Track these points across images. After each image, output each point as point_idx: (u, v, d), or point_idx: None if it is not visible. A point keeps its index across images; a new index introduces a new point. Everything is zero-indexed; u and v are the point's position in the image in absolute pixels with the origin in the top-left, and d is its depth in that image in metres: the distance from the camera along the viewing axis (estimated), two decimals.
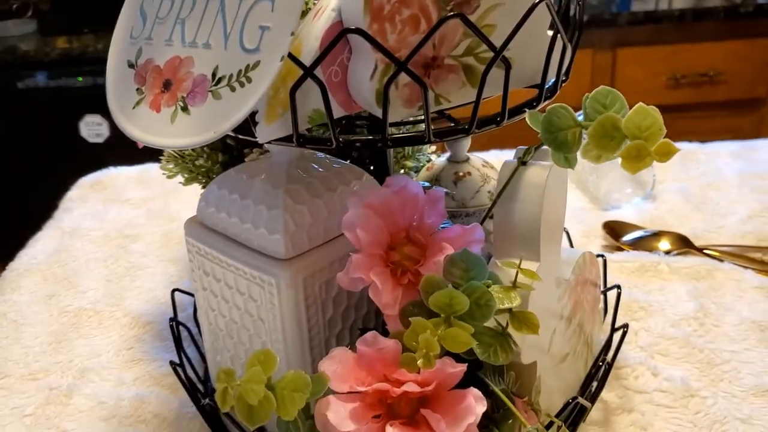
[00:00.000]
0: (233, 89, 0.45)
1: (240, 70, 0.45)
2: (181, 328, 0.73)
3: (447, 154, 0.75)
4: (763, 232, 0.90)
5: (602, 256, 0.74)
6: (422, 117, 0.50)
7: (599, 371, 0.61)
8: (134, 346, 0.76)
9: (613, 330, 0.69)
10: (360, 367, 0.49)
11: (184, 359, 0.68)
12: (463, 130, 0.50)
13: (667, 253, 0.87)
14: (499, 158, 1.02)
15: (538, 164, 0.54)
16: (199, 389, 0.66)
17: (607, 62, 2.18)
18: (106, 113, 2.14)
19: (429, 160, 0.77)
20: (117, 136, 2.16)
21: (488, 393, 0.50)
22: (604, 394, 0.66)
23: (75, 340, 0.78)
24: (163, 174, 1.10)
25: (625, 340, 0.72)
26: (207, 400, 0.62)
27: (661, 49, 2.18)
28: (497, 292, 0.48)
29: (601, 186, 1.00)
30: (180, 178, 0.78)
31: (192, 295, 0.76)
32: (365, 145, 0.50)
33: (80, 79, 2.14)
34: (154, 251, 0.94)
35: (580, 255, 0.63)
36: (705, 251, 0.87)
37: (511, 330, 0.50)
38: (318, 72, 0.46)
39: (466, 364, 0.47)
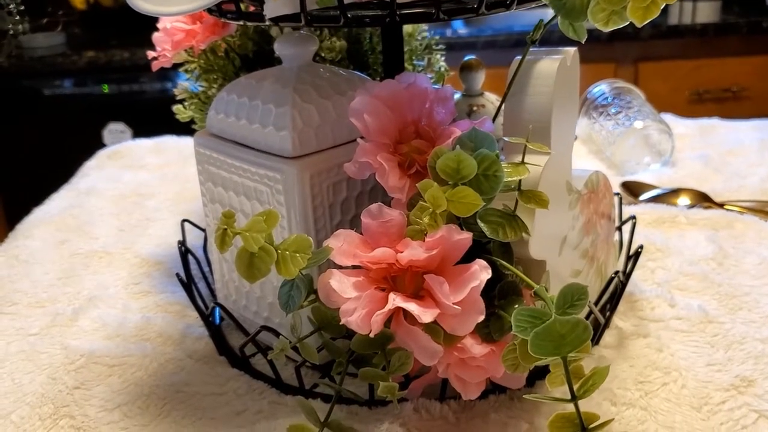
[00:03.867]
0: None
1: None
2: (192, 264, 0.72)
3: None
4: None
5: (618, 194, 0.73)
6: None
7: (611, 284, 0.59)
8: (143, 281, 0.76)
9: (628, 258, 0.67)
10: (365, 245, 0.48)
11: (192, 284, 0.67)
12: (472, 9, 0.50)
13: (688, 208, 0.85)
14: None
15: (549, 57, 0.53)
16: (208, 307, 0.65)
17: (629, 76, 2.17)
18: (129, 121, 2.18)
19: None
20: None
21: (496, 281, 0.49)
22: (620, 322, 0.64)
23: (84, 276, 0.77)
24: (180, 138, 1.11)
25: (642, 277, 0.71)
26: (213, 304, 0.61)
27: (684, 63, 2.17)
28: (507, 167, 0.47)
29: (617, 153, 0.99)
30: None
31: (202, 229, 0.76)
32: (374, 21, 0.50)
33: (105, 87, 2.17)
34: (168, 207, 0.94)
35: (593, 172, 0.62)
36: (725, 206, 0.85)
37: (519, 212, 0.49)
38: None
39: (471, 234, 0.46)
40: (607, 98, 1.03)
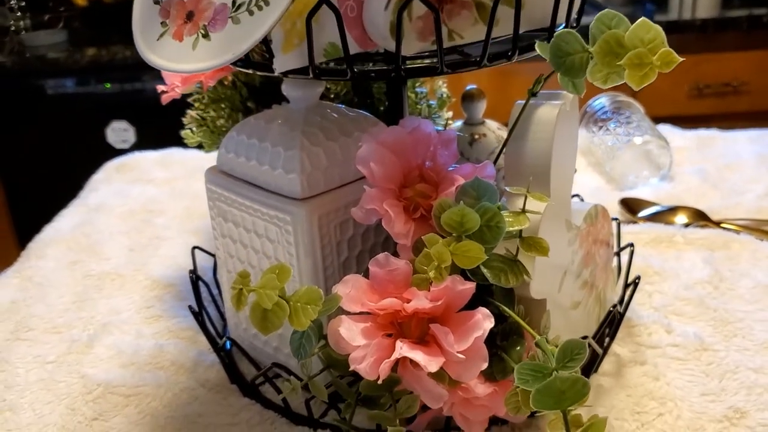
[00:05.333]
0: (251, 13, 0.47)
1: None
2: (201, 287, 0.74)
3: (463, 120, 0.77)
4: None
5: (616, 219, 0.75)
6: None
7: (609, 318, 0.61)
8: (155, 305, 0.78)
9: (626, 286, 0.69)
10: (372, 290, 0.50)
11: (204, 312, 0.69)
12: (474, 62, 0.52)
13: (685, 226, 0.87)
14: None
15: (549, 103, 0.55)
16: (219, 333, 0.68)
17: None
18: (132, 119, 2.19)
19: (446, 124, 0.78)
20: (143, 142, 2.20)
21: (498, 323, 0.51)
22: (618, 348, 0.67)
23: (98, 299, 0.80)
24: (187, 150, 1.13)
25: (639, 301, 0.73)
26: (225, 338, 0.63)
27: (685, 59, 2.17)
28: (507, 216, 0.49)
29: (617, 168, 1.00)
30: (202, 153, 0.80)
31: (212, 254, 0.78)
32: (379, 75, 0.51)
33: (108, 85, 2.18)
34: (177, 225, 0.96)
35: (592, 206, 0.64)
36: (721, 225, 0.87)
37: (521, 257, 0.51)
38: (334, 2, 0.48)
39: (475, 283, 0.48)
40: (606, 112, 1.05)
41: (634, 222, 0.91)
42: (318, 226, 0.58)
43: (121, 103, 2.18)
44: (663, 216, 0.90)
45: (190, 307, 0.65)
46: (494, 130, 0.74)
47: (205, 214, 0.97)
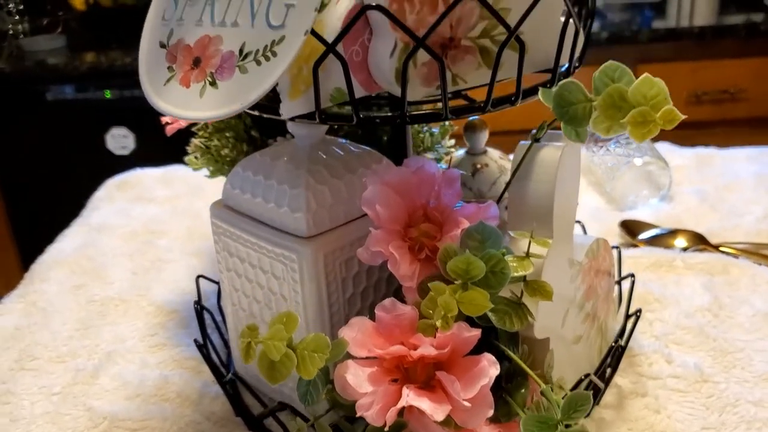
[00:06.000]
0: (259, 63, 0.47)
1: (266, 45, 0.47)
2: (205, 315, 0.75)
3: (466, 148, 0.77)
4: None
5: (617, 247, 0.75)
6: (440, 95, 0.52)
7: (612, 352, 0.62)
8: (158, 332, 0.78)
9: (627, 317, 0.70)
10: (378, 334, 0.51)
11: (208, 342, 0.70)
12: (478, 108, 0.52)
13: (684, 250, 0.88)
14: None
15: (552, 144, 0.56)
16: (223, 363, 0.68)
17: None
18: (132, 126, 2.20)
19: (448, 153, 0.78)
20: (142, 148, 2.20)
21: (502, 364, 0.51)
22: (619, 379, 0.67)
23: (101, 326, 0.80)
24: (189, 167, 1.13)
25: (640, 329, 0.74)
26: (230, 375, 0.63)
27: (682, 65, 2.18)
28: (512, 261, 0.50)
29: (617, 188, 1.01)
30: (205, 173, 0.81)
31: (215, 282, 0.79)
32: (384, 121, 0.52)
33: (108, 92, 2.18)
34: (179, 246, 0.96)
35: (594, 240, 0.64)
36: (720, 248, 0.88)
37: (525, 300, 0.52)
38: (340, 49, 0.48)
39: (480, 329, 0.49)
40: None
41: (635, 245, 0.91)
42: (323, 264, 0.58)
43: (121, 109, 2.18)
44: (662, 239, 0.91)
45: (195, 341, 0.65)
46: (496, 160, 0.75)
47: (206, 234, 0.97)
